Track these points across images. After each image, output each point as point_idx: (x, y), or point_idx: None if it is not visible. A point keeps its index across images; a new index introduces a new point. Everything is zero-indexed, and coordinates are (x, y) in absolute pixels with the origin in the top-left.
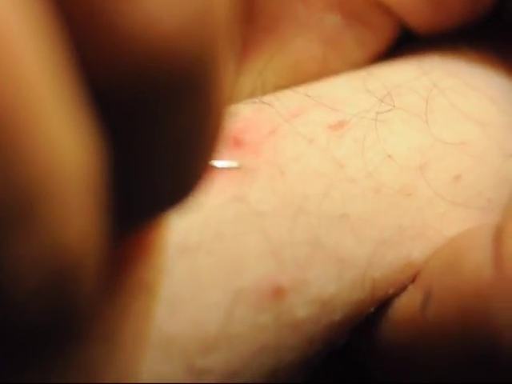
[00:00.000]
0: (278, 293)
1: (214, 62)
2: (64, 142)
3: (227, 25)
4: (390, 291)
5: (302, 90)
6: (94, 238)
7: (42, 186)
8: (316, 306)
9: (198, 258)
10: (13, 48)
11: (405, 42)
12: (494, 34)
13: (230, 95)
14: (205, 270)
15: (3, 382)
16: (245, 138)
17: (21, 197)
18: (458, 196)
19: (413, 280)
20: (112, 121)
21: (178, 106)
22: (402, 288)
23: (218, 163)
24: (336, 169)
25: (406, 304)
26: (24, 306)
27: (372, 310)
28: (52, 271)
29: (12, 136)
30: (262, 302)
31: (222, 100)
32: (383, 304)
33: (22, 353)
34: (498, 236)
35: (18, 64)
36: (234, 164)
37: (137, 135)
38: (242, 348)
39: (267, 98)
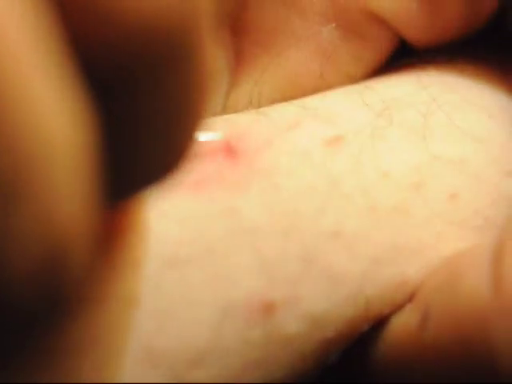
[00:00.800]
0: (268, 308)
1: (196, 34)
2: (53, 119)
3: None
4: (386, 311)
5: (298, 102)
6: (86, 217)
7: (31, 165)
8: (307, 322)
9: (188, 271)
10: None
11: (402, 55)
12: (492, 48)
13: (213, 73)
14: (194, 284)
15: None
16: (239, 147)
17: (8, 175)
18: (454, 215)
19: (409, 300)
20: (97, 93)
21: (160, 77)
22: (398, 308)
23: (202, 136)
24: (331, 185)
25: (403, 324)
26: (14, 290)
27: (366, 328)
28: (43, 253)
29: None
30: (251, 318)
31: (205, 75)
32: (378, 324)
33: (9, 336)
34: (497, 256)
35: (4, 39)
36: (218, 136)
37: (121, 106)
38: (232, 363)
39: (264, 109)
